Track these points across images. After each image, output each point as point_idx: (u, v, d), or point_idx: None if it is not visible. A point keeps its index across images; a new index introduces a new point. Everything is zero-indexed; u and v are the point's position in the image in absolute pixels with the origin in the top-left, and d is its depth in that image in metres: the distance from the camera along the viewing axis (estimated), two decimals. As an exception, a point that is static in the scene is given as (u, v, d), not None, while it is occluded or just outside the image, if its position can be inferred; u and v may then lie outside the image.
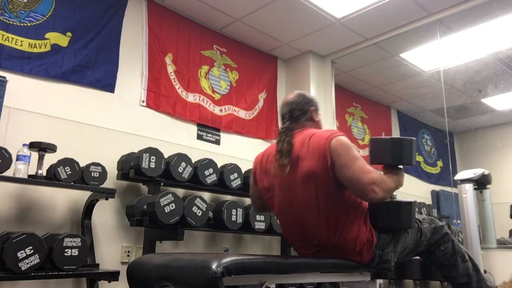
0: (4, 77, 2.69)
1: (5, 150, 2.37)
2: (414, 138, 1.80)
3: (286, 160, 1.76)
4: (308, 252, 1.89)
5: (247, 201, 3.81)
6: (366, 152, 4.89)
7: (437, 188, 4.77)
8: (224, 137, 4.00)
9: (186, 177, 3.11)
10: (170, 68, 3.72)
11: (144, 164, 2.90)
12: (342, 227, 1.73)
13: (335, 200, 1.74)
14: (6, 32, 2.85)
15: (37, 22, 3.00)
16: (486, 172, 3.02)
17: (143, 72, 3.53)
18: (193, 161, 3.20)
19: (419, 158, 4.98)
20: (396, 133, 5.10)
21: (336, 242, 1.75)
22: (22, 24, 2.93)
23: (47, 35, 3.03)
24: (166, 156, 3.08)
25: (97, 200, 2.81)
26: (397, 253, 1.88)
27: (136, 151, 3.09)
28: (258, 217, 3.23)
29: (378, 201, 1.71)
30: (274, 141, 4.56)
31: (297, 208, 1.80)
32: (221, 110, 4.02)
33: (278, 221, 2.00)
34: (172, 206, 2.74)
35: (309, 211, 1.76)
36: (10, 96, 2.73)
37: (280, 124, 1.97)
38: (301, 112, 1.94)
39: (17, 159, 2.45)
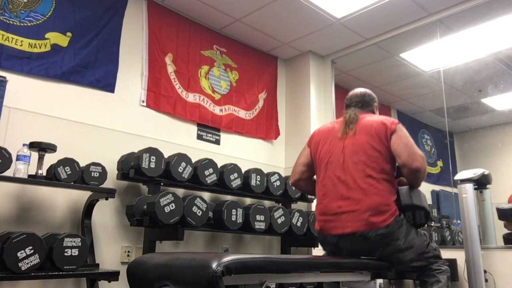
0: (4, 77, 2.69)
1: (5, 150, 2.37)
2: None
3: (352, 126, 2.16)
4: (345, 208, 2.05)
5: (247, 201, 3.82)
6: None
7: (437, 188, 4.76)
8: (224, 137, 4.00)
9: (186, 177, 3.11)
10: (170, 68, 3.72)
11: (144, 164, 2.90)
12: (382, 190, 2.02)
13: (382, 168, 2.06)
14: (6, 32, 2.85)
15: (37, 22, 3.00)
16: (486, 172, 3.01)
17: (143, 72, 3.53)
18: (193, 161, 3.20)
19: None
20: (396, 133, 5.09)
21: (372, 202, 2.00)
22: (22, 24, 2.93)
23: (47, 35, 3.03)
24: (166, 156, 3.08)
25: (97, 200, 2.81)
26: (403, 240, 2.03)
27: (136, 151, 3.09)
28: (258, 217, 3.23)
29: (417, 172, 2.01)
30: (275, 140, 4.57)
31: (349, 169, 2.09)
32: (221, 110, 4.02)
33: (321, 183, 2.19)
34: (172, 206, 2.74)
35: (359, 172, 2.06)
36: (10, 96, 2.73)
37: (345, 110, 2.33)
38: (367, 104, 2.33)
39: (17, 159, 2.45)
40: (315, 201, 3.95)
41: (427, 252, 2.11)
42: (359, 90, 2.39)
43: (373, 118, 2.18)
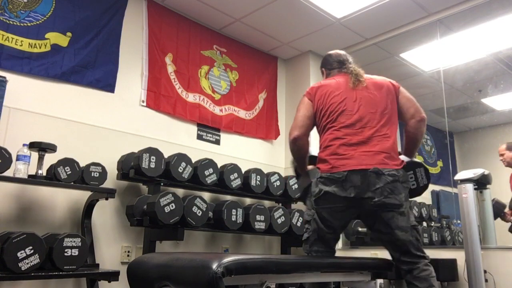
0: (4, 77, 2.69)
1: (5, 150, 2.37)
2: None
3: (362, 80, 2.29)
4: (360, 150, 2.14)
5: (247, 201, 3.82)
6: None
7: (437, 188, 4.76)
8: (224, 137, 4.00)
9: (186, 177, 3.11)
10: (170, 68, 3.72)
11: (144, 164, 2.90)
12: (394, 141, 2.18)
13: (393, 122, 2.26)
14: (6, 32, 2.85)
15: (37, 22, 3.00)
16: (486, 172, 3.01)
17: (143, 72, 3.53)
18: (193, 161, 3.20)
19: (419, 158, 4.98)
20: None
21: (387, 147, 2.14)
22: (22, 24, 2.93)
23: (47, 35, 3.03)
24: (166, 156, 3.08)
25: (97, 200, 2.81)
26: (403, 199, 2.09)
27: (136, 151, 3.09)
28: (258, 217, 3.23)
29: (423, 121, 2.27)
30: (275, 140, 4.56)
31: (366, 118, 2.20)
32: (221, 110, 4.01)
33: (332, 130, 2.23)
34: (172, 206, 2.74)
35: (375, 121, 2.20)
36: (10, 96, 2.73)
37: (333, 66, 2.52)
38: (353, 61, 2.50)
39: (17, 159, 2.45)
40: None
41: (416, 230, 2.11)
42: (339, 51, 2.58)
43: (381, 78, 2.36)
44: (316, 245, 2.18)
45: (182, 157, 3.11)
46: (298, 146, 2.25)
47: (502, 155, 3.67)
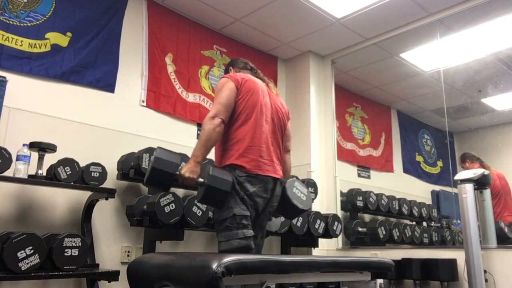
0: (4, 77, 2.68)
1: (5, 150, 2.37)
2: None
3: (269, 88, 2.41)
4: (277, 161, 2.30)
5: (247, 201, 3.81)
6: (366, 152, 4.89)
7: (437, 188, 4.76)
8: (224, 137, 3.99)
9: (186, 177, 3.11)
10: (170, 68, 3.72)
11: (144, 164, 2.90)
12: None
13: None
14: (6, 32, 2.85)
15: (37, 22, 3.00)
16: (486, 172, 3.02)
17: (143, 72, 3.53)
18: (193, 161, 3.19)
19: (419, 158, 4.98)
20: (396, 133, 5.09)
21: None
22: (22, 24, 2.93)
23: (47, 35, 3.03)
24: (166, 156, 3.07)
25: (97, 200, 2.81)
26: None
27: (136, 151, 3.09)
28: (258, 217, 3.22)
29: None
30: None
31: (276, 126, 2.33)
32: (277, 94, 3.99)
33: (253, 127, 2.21)
34: (172, 206, 2.74)
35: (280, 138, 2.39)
36: (10, 96, 2.73)
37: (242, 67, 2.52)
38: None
39: (17, 159, 2.45)
40: (314, 202, 3.97)
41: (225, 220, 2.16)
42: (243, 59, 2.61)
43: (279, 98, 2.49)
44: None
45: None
46: (218, 132, 2.09)
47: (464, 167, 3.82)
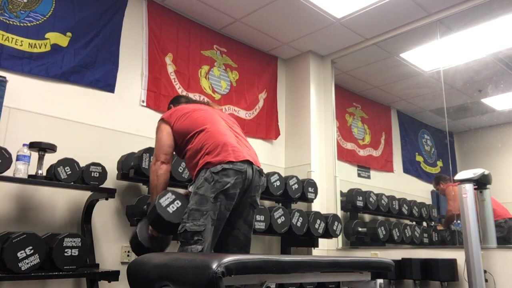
0: (4, 77, 2.68)
1: (5, 150, 2.37)
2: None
3: (216, 107, 2.65)
4: (247, 145, 2.50)
5: (247, 201, 3.80)
6: (366, 152, 4.89)
7: (437, 188, 4.76)
8: (224, 137, 3.99)
9: (186, 177, 3.11)
10: (170, 68, 3.72)
11: (144, 164, 2.90)
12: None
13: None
14: (6, 32, 2.85)
15: (37, 22, 3.00)
16: (486, 172, 3.01)
17: (143, 72, 3.53)
18: (193, 161, 3.19)
19: (419, 158, 4.98)
20: (396, 133, 5.10)
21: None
22: (22, 24, 2.93)
23: (47, 35, 3.03)
24: (166, 156, 3.07)
25: (97, 200, 2.81)
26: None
27: (136, 151, 3.08)
28: (258, 217, 3.23)
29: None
30: (275, 140, 4.56)
31: (234, 127, 2.51)
32: (221, 110, 4.00)
33: (210, 130, 2.31)
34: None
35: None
36: (10, 96, 2.73)
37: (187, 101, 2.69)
38: None
39: (17, 159, 2.45)
40: (314, 202, 3.98)
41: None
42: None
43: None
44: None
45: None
46: (162, 173, 2.30)
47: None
